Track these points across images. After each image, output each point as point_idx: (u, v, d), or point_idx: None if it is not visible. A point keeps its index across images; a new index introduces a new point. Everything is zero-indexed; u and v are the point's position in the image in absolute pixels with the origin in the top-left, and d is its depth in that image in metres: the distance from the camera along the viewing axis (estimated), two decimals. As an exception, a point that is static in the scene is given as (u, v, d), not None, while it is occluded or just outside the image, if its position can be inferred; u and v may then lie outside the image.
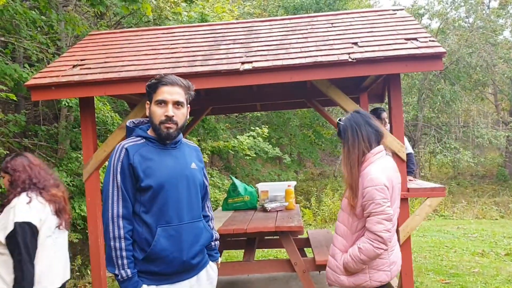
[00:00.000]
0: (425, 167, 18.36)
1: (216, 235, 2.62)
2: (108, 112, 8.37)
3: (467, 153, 16.05)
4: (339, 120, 2.94)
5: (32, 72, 7.13)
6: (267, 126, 13.07)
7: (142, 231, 2.28)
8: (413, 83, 16.93)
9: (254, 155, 12.59)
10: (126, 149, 2.30)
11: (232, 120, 16.68)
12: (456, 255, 7.12)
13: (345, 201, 2.86)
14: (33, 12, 7.06)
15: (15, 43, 7.45)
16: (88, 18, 10.58)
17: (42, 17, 7.33)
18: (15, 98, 6.19)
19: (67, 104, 7.74)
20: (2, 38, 7.49)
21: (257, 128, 12.42)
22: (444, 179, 18.92)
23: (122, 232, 2.24)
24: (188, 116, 2.50)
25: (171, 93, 2.33)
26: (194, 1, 8.60)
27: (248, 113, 15.41)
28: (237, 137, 12.41)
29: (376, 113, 5.35)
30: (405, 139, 5.05)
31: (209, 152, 12.11)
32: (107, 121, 8.57)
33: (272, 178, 15.95)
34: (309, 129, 18.42)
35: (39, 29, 8.34)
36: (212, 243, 2.57)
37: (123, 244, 2.23)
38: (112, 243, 2.23)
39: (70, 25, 7.59)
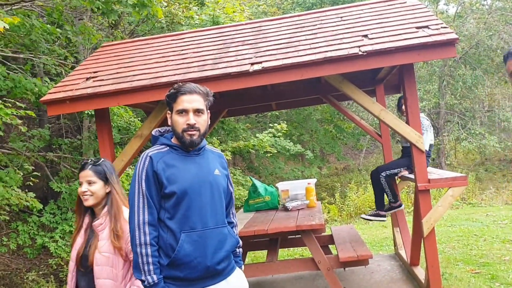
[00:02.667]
0: (451, 155, 18.01)
1: (240, 242, 2.62)
2: (130, 118, 8.48)
3: (493, 138, 15.67)
4: None
5: (52, 84, 7.27)
6: (286, 123, 13.00)
7: (166, 237, 2.31)
8: (433, 71, 16.60)
9: (275, 152, 12.56)
10: (150, 157, 2.35)
11: (252, 120, 16.68)
12: (486, 244, 6.97)
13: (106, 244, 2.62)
14: (48, 26, 7.18)
15: (34, 58, 7.59)
16: (103, 29, 10.73)
17: (58, 29, 7.45)
18: (34, 115, 6.32)
19: (89, 113, 7.87)
20: (22, 55, 7.65)
21: (275, 124, 12.36)
22: (471, 166, 18.53)
23: (148, 238, 2.28)
24: (209, 122, 2.52)
25: (191, 101, 2.36)
26: (205, 4, 8.63)
27: (266, 112, 15.37)
28: (257, 135, 12.40)
29: (400, 102, 5.30)
30: (429, 132, 4.97)
31: (230, 153, 12.14)
32: (129, 128, 8.69)
33: (296, 175, 15.88)
34: (330, 124, 18.27)
35: (56, 42, 8.50)
36: (237, 250, 2.58)
37: (149, 250, 2.27)
38: (138, 250, 2.27)
39: (86, 35, 7.71)
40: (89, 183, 2.64)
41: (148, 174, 2.31)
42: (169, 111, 2.44)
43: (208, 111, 2.46)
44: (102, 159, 2.79)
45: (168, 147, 2.42)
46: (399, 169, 5.14)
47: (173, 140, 2.44)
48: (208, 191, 2.38)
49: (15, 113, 5.66)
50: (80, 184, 2.68)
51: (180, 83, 2.45)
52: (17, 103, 5.98)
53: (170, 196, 2.30)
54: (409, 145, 4.15)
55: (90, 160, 2.72)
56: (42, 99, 4.04)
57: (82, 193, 2.65)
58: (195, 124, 2.34)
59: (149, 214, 2.30)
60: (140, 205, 2.30)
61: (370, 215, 5.40)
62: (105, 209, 2.67)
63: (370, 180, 5.53)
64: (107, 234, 2.60)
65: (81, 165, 2.72)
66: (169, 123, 2.44)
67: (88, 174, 2.66)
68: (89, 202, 2.65)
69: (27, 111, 5.85)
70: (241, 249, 2.62)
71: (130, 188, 2.37)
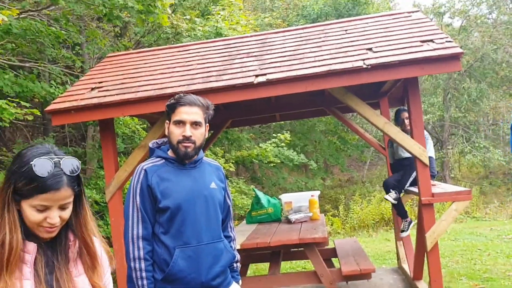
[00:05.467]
0: (455, 168, 17.96)
1: (238, 256, 2.59)
2: (135, 126, 8.50)
3: (498, 152, 15.62)
4: None
5: (59, 88, 7.30)
6: (289, 134, 13.01)
7: (161, 252, 2.29)
8: (438, 83, 16.63)
9: (279, 162, 12.56)
10: (145, 170, 2.33)
11: (256, 130, 16.71)
12: (490, 258, 6.91)
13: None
14: (54, 29, 7.22)
15: (40, 67, 7.64)
16: (109, 39, 10.81)
17: (64, 32, 7.50)
18: (38, 113, 6.31)
19: (93, 122, 7.89)
20: (28, 64, 7.71)
21: (279, 134, 12.37)
22: (475, 179, 18.45)
23: (142, 253, 2.26)
24: (207, 134, 2.51)
25: (189, 113, 2.34)
26: (209, 16, 8.69)
27: (270, 123, 15.39)
28: (260, 145, 12.40)
29: (397, 114, 5.36)
30: (429, 141, 4.98)
31: (233, 164, 12.14)
32: (133, 137, 8.72)
33: (299, 186, 15.86)
34: (334, 135, 18.29)
35: (63, 46, 8.56)
36: (234, 265, 2.55)
37: (143, 265, 2.26)
38: (132, 264, 2.26)
39: (92, 39, 7.75)
40: (63, 207, 1.45)
41: (143, 188, 2.29)
42: (167, 121, 2.42)
43: (207, 124, 2.45)
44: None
45: (163, 160, 2.39)
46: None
47: (170, 153, 2.41)
48: (203, 205, 2.36)
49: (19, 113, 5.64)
50: (43, 209, 1.42)
51: (181, 94, 2.44)
52: (21, 102, 5.98)
53: (164, 211, 2.29)
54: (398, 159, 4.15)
55: (59, 168, 1.43)
56: (47, 109, 4.06)
57: (51, 223, 1.43)
58: (191, 136, 2.32)
59: (143, 228, 2.28)
60: (135, 219, 2.29)
61: (405, 230, 5.41)
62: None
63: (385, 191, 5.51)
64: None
65: (46, 181, 1.40)
66: (166, 132, 2.42)
67: (65, 194, 1.43)
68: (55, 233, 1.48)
69: (32, 110, 5.85)
70: (239, 264, 2.58)
71: (125, 202, 2.36)
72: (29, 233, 1.44)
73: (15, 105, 5.56)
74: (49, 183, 1.39)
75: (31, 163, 1.38)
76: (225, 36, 8.27)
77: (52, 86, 7.17)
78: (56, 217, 1.43)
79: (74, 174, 1.45)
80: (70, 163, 1.45)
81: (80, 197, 1.54)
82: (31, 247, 1.43)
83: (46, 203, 1.40)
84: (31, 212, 1.40)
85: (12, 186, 1.41)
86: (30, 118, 5.85)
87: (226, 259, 2.43)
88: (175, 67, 4.48)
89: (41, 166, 1.39)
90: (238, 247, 4.20)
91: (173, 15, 8.71)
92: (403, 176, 5.20)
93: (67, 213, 1.47)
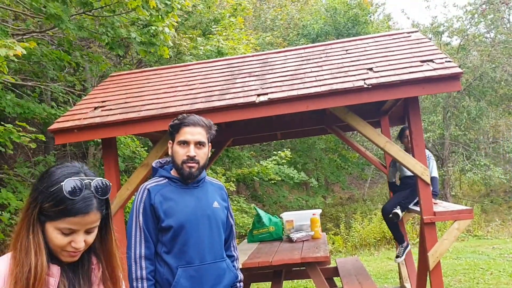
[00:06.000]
0: (455, 186, 17.92)
1: (241, 276, 2.59)
2: (136, 148, 8.53)
3: (498, 170, 15.60)
4: None
5: (60, 108, 7.36)
6: (290, 151, 13.03)
7: (163, 272, 2.29)
8: (437, 102, 16.68)
9: (279, 179, 12.55)
10: (148, 190, 2.35)
11: (257, 148, 16.73)
12: (493, 278, 6.86)
13: None
14: (58, 51, 7.31)
15: (42, 86, 7.71)
16: (111, 58, 10.91)
17: (68, 56, 7.58)
18: (43, 138, 6.38)
19: (95, 141, 7.92)
20: (30, 83, 7.77)
21: (279, 152, 12.39)
22: (476, 197, 18.39)
23: (144, 272, 2.26)
24: (210, 154, 2.53)
25: (193, 133, 2.37)
26: (210, 37, 8.78)
27: (271, 141, 15.43)
28: (261, 162, 12.41)
29: (401, 132, 5.49)
30: (432, 161, 5.04)
31: (234, 180, 12.14)
32: (134, 157, 8.73)
33: (300, 204, 15.81)
34: (335, 153, 18.30)
35: (65, 69, 8.65)
36: (237, 284, 2.55)
37: (145, 285, 2.26)
38: (134, 284, 2.26)
39: (94, 63, 7.85)
40: (89, 231, 1.38)
41: (146, 207, 2.31)
42: (170, 141, 2.44)
43: (210, 143, 2.47)
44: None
45: (166, 180, 2.41)
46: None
47: (173, 172, 2.43)
48: (206, 224, 2.36)
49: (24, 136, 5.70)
50: (69, 232, 1.33)
51: (184, 115, 2.47)
52: (28, 126, 6.05)
53: (167, 230, 2.29)
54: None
55: (89, 190, 1.35)
56: (50, 128, 4.08)
57: (76, 248, 1.36)
58: (195, 156, 2.34)
59: (146, 248, 2.29)
60: (137, 238, 2.30)
61: (401, 255, 5.42)
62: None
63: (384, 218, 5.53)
64: None
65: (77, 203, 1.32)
66: (170, 153, 2.43)
67: (94, 218, 1.37)
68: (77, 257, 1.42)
69: (37, 135, 5.90)
70: (241, 283, 2.58)
71: (128, 221, 2.37)
72: (52, 256, 1.36)
73: (21, 129, 5.64)
74: (78, 206, 1.31)
75: (61, 183, 1.30)
76: (226, 55, 8.37)
77: (53, 107, 7.23)
78: (81, 242, 1.35)
79: (105, 197, 1.38)
80: (100, 185, 1.37)
81: (107, 221, 1.46)
82: (55, 270, 1.36)
83: (73, 227, 1.32)
84: (56, 235, 1.33)
85: (39, 206, 1.32)
86: (33, 146, 5.93)
87: (229, 278, 2.43)
88: (177, 87, 4.52)
89: (72, 187, 1.31)
90: (240, 266, 4.19)
91: (175, 34, 8.84)
92: (410, 194, 5.22)
93: (92, 237, 1.39)
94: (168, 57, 7.28)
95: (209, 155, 2.50)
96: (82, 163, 1.44)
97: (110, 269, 1.49)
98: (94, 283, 1.45)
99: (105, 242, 1.48)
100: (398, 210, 5.16)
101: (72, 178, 1.33)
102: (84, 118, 4.08)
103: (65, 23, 5.47)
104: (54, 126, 4.08)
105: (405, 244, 5.44)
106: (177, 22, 7.66)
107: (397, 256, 5.48)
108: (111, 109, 4.16)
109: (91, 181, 1.35)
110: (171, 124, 2.45)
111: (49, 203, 1.31)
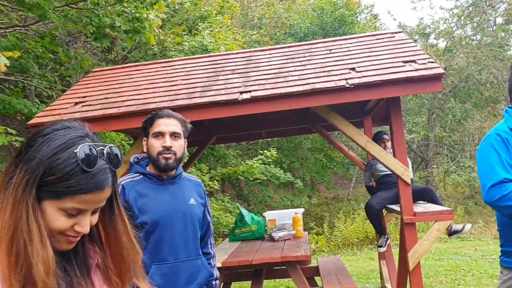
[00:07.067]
0: (440, 187, 18.07)
1: (217, 274, 2.55)
2: (121, 141, 8.45)
3: (482, 172, 15.75)
4: None
5: (42, 106, 7.25)
6: (276, 151, 13.04)
7: None
8: (422, 103, 16.82)
9: (265, 179, 12.55)
10: (123, 186, 2.31)
11: (243, 147, 16.70)
12: (474, 279, 6.91)
13: None
14: (40, 49, 7.20)
15: (25, 81, 7.59)
16: (96, 54, 10.80)
17: (50, 55, 7.48)
18: (23, 139, 6.27)
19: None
20: (13, 78, 7.64)
21: (265, 151, 12.39)
22: (460, 199, 18.56)
23: None
24: (186, 151, 2.49)
25: (167, 124, 2.34)
26: (197, 33, 8.73)
27: (256, 140, 15.42)
28: (246, 161, 12.39)
29: (377, 136, 5.45)
30: (409, 164, 5.07)
31: (219, 179, 12.10)
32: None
33: (285, 204, 15.81)
34: (320, 152, 18.35)
35: (48, 66, 8.54)
36: (213, 282, 2.52)
37: None
38: None
39: (79, 60, 7.74)
40: (96, 211, 1.17)
41: None
42: (145, 138, 2.40)
43: (185, 140, 2.44)
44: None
45: (142, 176, 2.37)
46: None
47: (148, 168, 2.39)
48: (181, 221, 2.33)
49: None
50: (76, 213, 1.08)
51: (157, 110, 2.44)
52: (9, 129, 5.94)
53: (141, 227, 2.25)
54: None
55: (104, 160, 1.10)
56: (29, 122, 4.02)
57: (80, 232, 1.12)
58: (171, 146, 2.30)
59: None
60: None
61: (383, 245, 5.45)
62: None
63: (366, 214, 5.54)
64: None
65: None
66: (145, 149, 2.39)
67: (106, 195, 1.21)
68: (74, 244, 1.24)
69: (17, 138, 5.81)
70: (217, 281, 2.55)
71: None
72: None
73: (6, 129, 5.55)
74: (93, 180, 1.02)
75: (74, 150, 1.01)
76: (212, 52, 8.32)
77: (35, 104, 7.12)
78: (88, 225, 1.07)
79: (118, 168, 1.11)
80: (114, 153, 1.09)
81: (115, 197, 1.17)
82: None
83: (82, 206, 1.04)
84: (57, 216, 1.03)
85: (37, 181, 1.01)
86: (17, 145, 5.82)
87: (203, 276, 2.40)
88: (159, 83, 4.48)
89: (86, 155, 1.02)
90: (219, 265, 4.16)
91: (160, 30, 8.76)
92: (394, 195, 5.25)
93: (96, 219, 1.12)
94: (154, 43, 7.20)
95: (185, 151, 2.47)
96: (81, 122, 1.15)
97: (118, 258, 1.19)
98: (91, 267, 1.16)
99: (113, 223, 1.19)
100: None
101: (85, 144, 1.04)
102: (64, 114, 4.02)
103: (48, 13, 5.34)
104: (34, 121, 4.02)
105: (386, 236, 5.48)
106: (162, 19, 7.60)
107: (380, 246, 5.50)
108: (91, 105, 4.10)
109: (103, 148, 1.07)
110: (145, 120, 2.42)
111: (53, 176, 1.01)
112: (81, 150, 1.01)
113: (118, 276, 1.19)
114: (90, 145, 1.03)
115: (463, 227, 5.23)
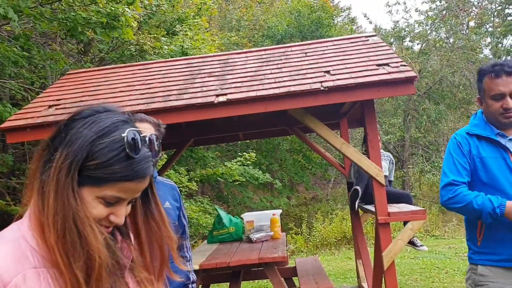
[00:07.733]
0: (415, 187, 18.37)
1: (194, 277, 2.56)
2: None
3: (456, 171, 16.08)
4: None
5: (14, 109, 7.13)
6: (255, 152, 13.08)
7: None
8: (398, 105, 17.09)
9: (243, 180, 12.58)
10: None
11: (222, 149, 16.69)
12: (448, 276, 7.07)
13: None
14: (15, 49, 7.07)
15: (-1, 83, 7.47)
16: (73, 56, 10.66)
17: (25, 52, 7.35)
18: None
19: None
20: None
21: (244, 153, 12.43)
22: (435, 198, 18.87)
23: None
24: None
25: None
26: (175, 36, 8.70)
27: (234, 142, 15.43)
28: (225, 163, 12.40)
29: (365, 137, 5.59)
30: (392, 166, 5.19)
31: (198, 181, 12.08)
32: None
33: (264, 205, 15.85)
34: (299, 153, 18.46)
35: (23, 66, 8.40)
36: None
37: None
38: None
39: (55, 60, 7.63)
40: (131, 201, 1.13)
41: None
42: None
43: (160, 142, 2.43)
44: None
45: None
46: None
47: None
48: None
49: None
50: (114, 202, 1.03)
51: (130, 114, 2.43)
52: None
53: None
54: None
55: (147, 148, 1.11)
56: (1, 126, 3.96)
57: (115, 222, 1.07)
58: None
59: None
60: None
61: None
62: None
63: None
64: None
65: None
66: None
67: (146, 183, 1.16)
68: None
69: None
70: (194, 285, 2.56)
71: None
72: None
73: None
74: (138, 167, 0.98)
75: (123, 135, 0.97)
76: (191, 55, 8.31)
77: (7, 107, 6.99)
78: (123, 215, 1.02)
79: (158, 158, 1.08)
80: (155, 141, 1.06)
81: (152, 187, 1.14)
82: None
83: (123, 195, 0.99)
84: (95, 204, 0.98)
85: (80, 165, 0.95)
86: None
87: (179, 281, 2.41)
88: (135, 85, 4.47)
89: (134, 141, 0.97)
90: (197, 267, 4.17)
91: (139, 32, 8.71)
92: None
93: (129, 210, 1.07)
94: (133, 38, 7.15)
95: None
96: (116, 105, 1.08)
97: (155, 250, 1.15)
98: (124, 266, 1.08)
99: (152, 214, 1.16)
100: (358, 187, 5.32)
101: (131, 128, 0.99)
102: (37, 117, 3.97)
103: (10, 13, 5.15)
104: (6, 124, 3.96)
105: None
106: (139, 21, 7.57)
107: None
108: (65, 108, 4.07)
109: (145, 135, 1.02)
110: None
111: (94, 161, 0.95)
112: (129, 134, 0.97)
113: (153, 273, 1.15)
114: (136, 130, 0.99)
115: (420, 246, 5.53)
